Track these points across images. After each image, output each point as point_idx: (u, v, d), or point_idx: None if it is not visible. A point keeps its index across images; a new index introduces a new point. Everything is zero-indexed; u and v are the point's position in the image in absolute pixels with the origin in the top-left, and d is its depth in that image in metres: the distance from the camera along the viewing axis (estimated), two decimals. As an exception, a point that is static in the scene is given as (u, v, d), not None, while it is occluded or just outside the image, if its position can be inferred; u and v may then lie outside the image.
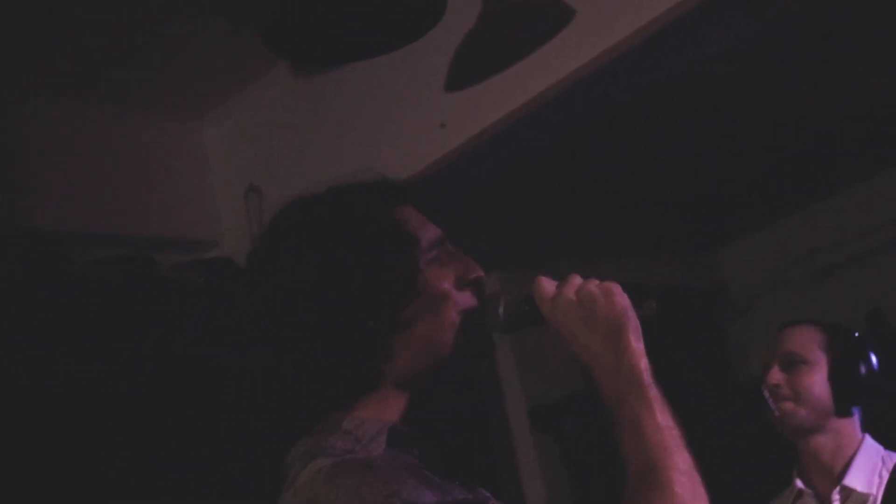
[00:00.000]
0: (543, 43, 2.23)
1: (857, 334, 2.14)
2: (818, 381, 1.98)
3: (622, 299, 1.00)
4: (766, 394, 2.04)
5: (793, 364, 2.00)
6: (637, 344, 0.98)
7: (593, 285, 1.01)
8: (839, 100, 3.24)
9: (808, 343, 2.03)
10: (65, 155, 2.37)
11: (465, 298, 1.07)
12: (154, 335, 2.27)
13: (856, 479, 1.95)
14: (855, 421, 1.99)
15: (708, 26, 2.13)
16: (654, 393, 0.95)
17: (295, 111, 2.70)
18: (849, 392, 1.98)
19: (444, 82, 2.35)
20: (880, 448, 2.02)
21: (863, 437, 2.00)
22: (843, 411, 1.97)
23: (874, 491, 1.94)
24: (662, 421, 0.92)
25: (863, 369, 2.02)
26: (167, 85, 2.51)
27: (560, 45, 2.22)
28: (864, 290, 3.69)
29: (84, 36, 2.27)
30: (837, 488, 1.95)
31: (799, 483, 2.05)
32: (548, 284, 1.04)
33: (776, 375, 2.02)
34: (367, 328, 1.01)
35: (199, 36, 2.37)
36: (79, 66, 2.37)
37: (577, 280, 1.02)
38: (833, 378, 1.98)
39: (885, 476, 1.96)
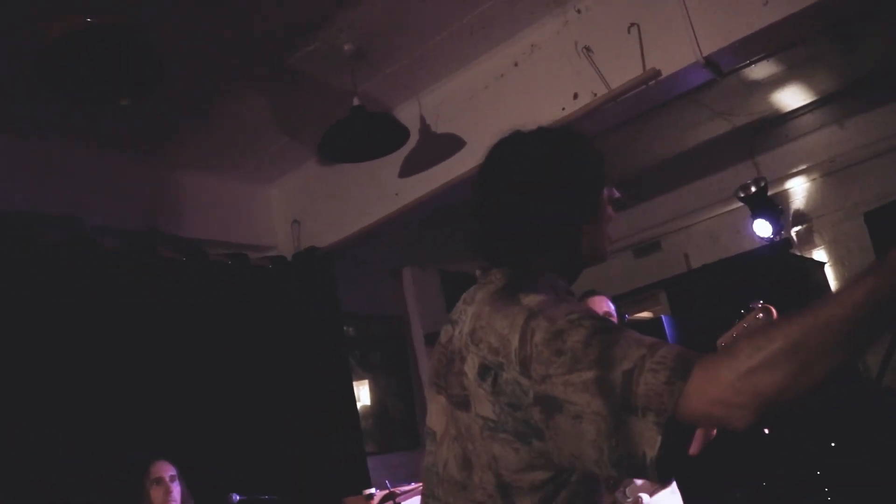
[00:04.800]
0: (451, 156, 4.25)
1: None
2: None
3: None
4: None
5: None
6: None
7: None
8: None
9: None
10: (209, 202, 4.54)
11: (612, 214, 1.58)
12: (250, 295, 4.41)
13: None
14: None
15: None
16: None
17: (318, 182, 4.88)
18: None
19: (398, 172, 4.42)
20: None
21: None
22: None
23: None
24: None
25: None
26: (256, 168, 4.71)
27: (459, 158, 4.23)
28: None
29: (219, 138, 4.41)
30: None
31: None
32: None
33: None
34: (576, 210, 1.51)
35: (273, 143, 4.54)
36: (214, 154, 4.52)
37: None
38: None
39: None
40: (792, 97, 5.39)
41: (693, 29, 3.48)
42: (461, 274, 6.20)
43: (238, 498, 3.79)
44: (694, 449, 2.84)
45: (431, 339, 5.68)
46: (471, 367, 1.44)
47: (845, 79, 5.24)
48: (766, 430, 4.64)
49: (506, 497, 1.42)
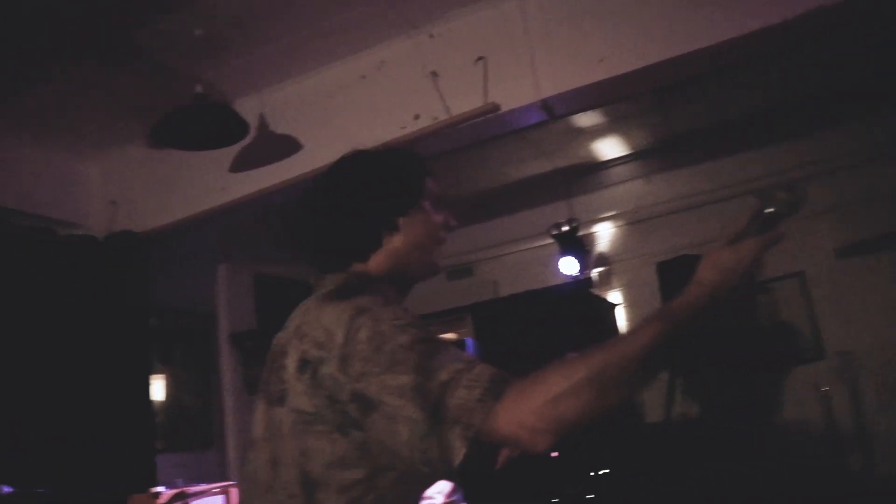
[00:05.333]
0: (285, 158, 4.19)
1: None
2: None
3: None
4: None
5: None
6: None
7: None
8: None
9: None
10: (19, 169, 4.20)
11: (443, 236, 1.68)
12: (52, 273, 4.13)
13: None
14: None
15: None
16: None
17: (143, 164, 4.67)
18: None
19: (229, 166, 4.32)
20: None
21: None
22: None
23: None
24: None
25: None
26: (77, 140, 4.43)
27: (293, 161, 4.18)
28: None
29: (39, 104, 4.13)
30: None
31: None
32: None
33: None
34: (385, 207, 1.61)
35: (100, 117, 4.30)
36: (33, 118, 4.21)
37: None
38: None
39: None
40: (609, 148, 5.82)
41: (535, 72, 3.68)
42: (276, 277, 6.12)
43: (7, 490, 3.53)
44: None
45: (237, 338, 5.58)
46: (291, 361, 1.47)
47: (657, 138, 5.73)
48: (554, 454, 4.97)
49: (310, 496, 1.42)
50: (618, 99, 4.35)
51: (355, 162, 1.71)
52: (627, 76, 3.55)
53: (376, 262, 1.63)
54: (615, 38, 3.52)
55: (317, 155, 4.18)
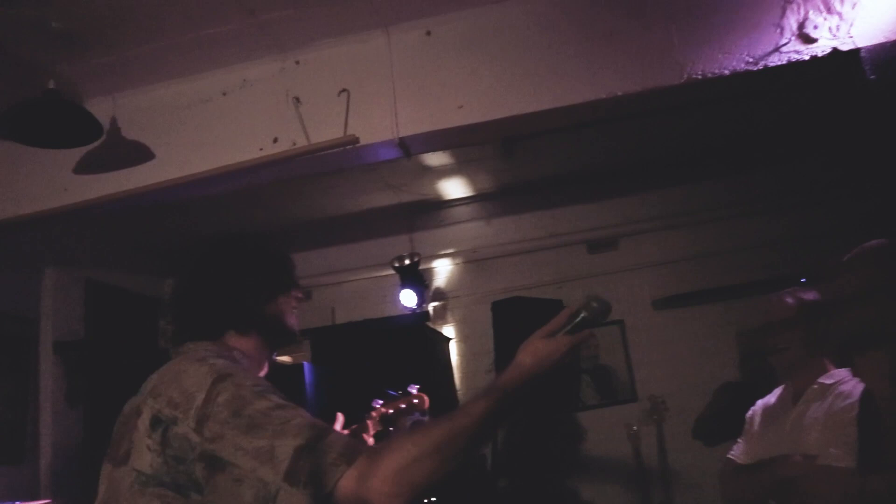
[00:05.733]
0: (135, 165, 4.09)
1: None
2: None
3: None
4: None
5: None
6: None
7: None
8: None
9: None
10: None
11: (296, 307, 1.92)
12: None
13: None
14: None
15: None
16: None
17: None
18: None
19: (74, 167, 4.15)
20: None
21: None
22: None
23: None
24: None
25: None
26: None
27: (143, 169, 4.10)
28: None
29: None
30: None
31: None
32: None
33: None
34: (259, 290, 1.83)
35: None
36: None
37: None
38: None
39: None
40: (454, 188, 6.07)
41: (396, 111, 3.83)
42: (109, 286, 5.89)
43: None
44: None
45: (62, 346, 5.31)
46: (143, 421, 1.52)
47: (500, 183, 6.04)
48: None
49: None
50: (471, 144, 4.57)
51: (236, 246, 1.92)
52: (483, 125, 3.77)
53: (247, 332, 1.80)
54: (475, 87, 3.74)
55: (169, 166, 4.13)
